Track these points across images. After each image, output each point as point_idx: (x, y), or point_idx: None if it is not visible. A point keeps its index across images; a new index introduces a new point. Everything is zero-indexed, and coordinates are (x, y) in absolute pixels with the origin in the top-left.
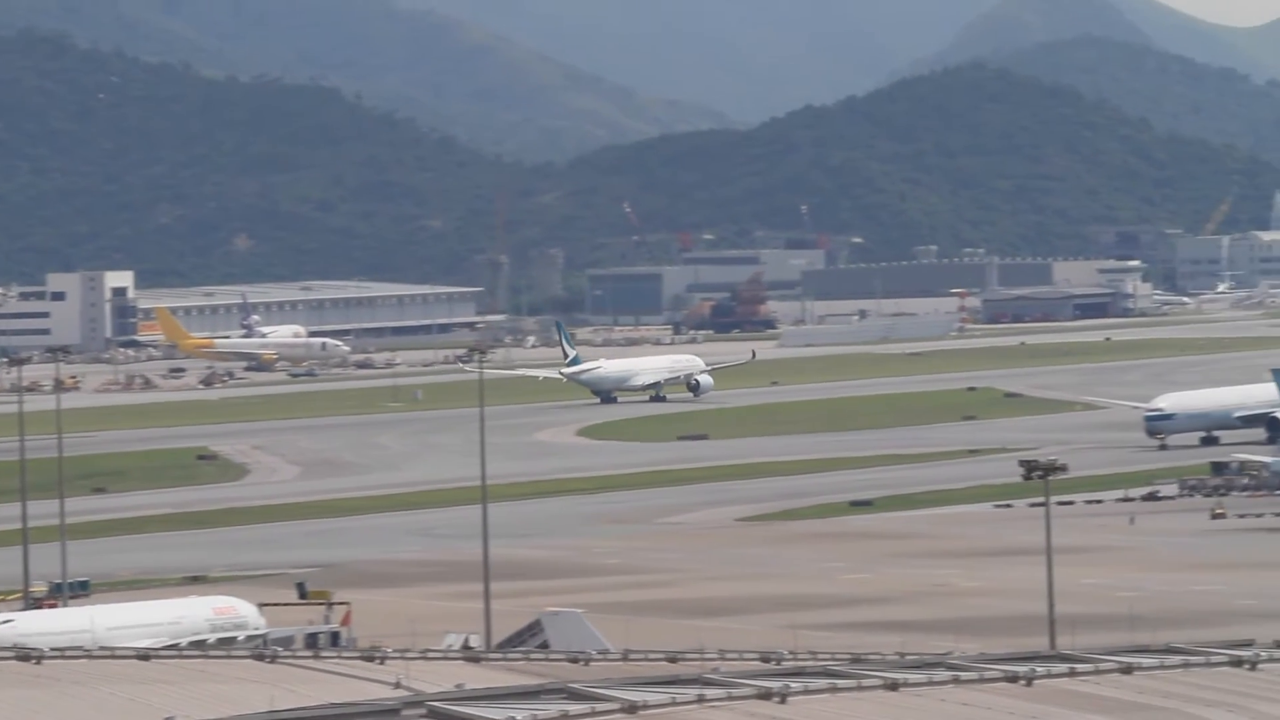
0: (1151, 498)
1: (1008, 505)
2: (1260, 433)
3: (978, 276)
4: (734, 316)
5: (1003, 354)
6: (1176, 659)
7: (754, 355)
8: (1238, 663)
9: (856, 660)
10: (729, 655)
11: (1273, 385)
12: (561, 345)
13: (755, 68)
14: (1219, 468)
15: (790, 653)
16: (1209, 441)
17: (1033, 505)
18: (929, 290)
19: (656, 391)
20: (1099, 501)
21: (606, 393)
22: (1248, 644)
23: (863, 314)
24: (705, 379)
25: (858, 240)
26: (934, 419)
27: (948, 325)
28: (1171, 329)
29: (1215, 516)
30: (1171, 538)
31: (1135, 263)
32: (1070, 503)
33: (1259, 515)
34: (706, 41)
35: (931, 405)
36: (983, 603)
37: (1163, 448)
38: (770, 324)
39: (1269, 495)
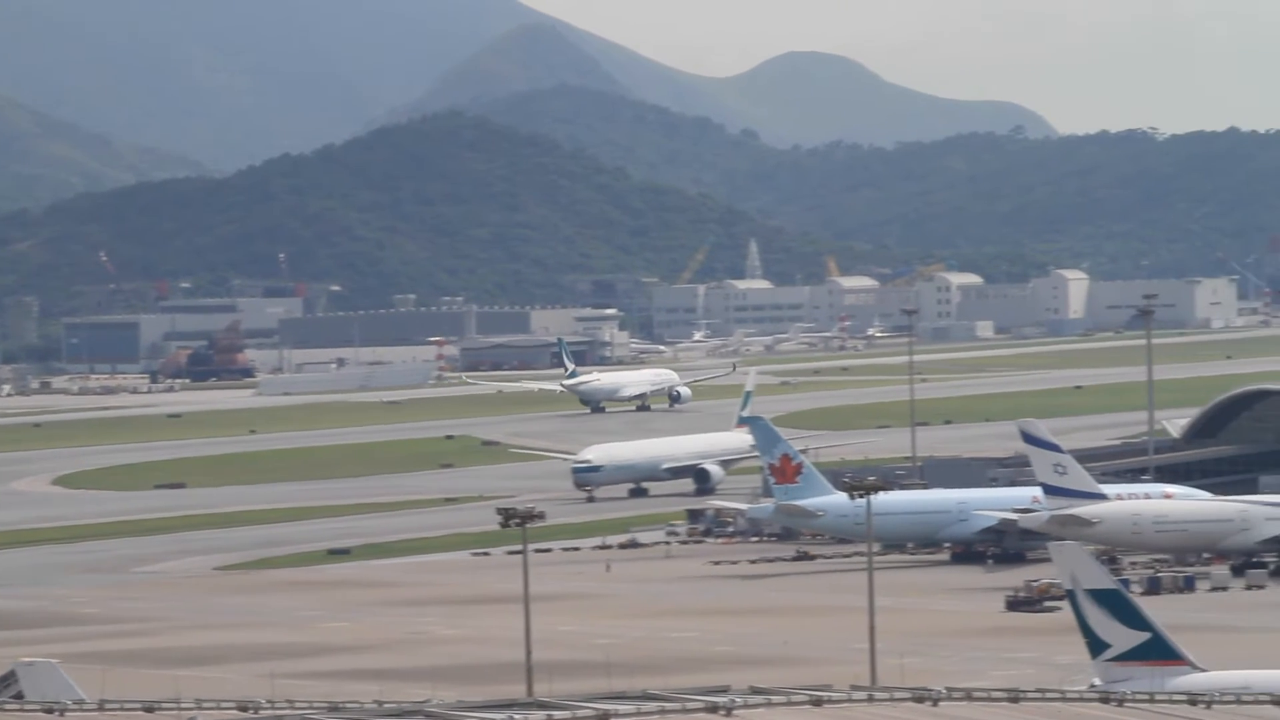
0: (630, 545)
1: (485, 553)
2: (688, 484)
3: (456, 325)
4: (211, 365)
5: (481, 402)
6: (652, 705)
7: (734, 368)
8: (713, 709)
9: (334, 709)
10: (206, 705)
11: (698, 436)
12: (563, 361)
13: (232, 116)
14: (695, 515)
15: (268, 701)
16: (638, 493)
17: (510, 553)
18: (407, 338)
19: (642, 402)
20: (576, 549)
21: (596, 403)
22: (723, 690)
23: (341, 362)
24: (685, 390)
25: (336, 288)
26: (412, 467)
27: (426, 373)
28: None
29: (673, 547)
30: (649, 584)
31: (612, 311)
32: (548, 550)
33: (734, 562)
34: (183, 90)
35: (409, 453)
36: (461, 650)
37: (590, 500)
38: (248, 372)
39: (744, 542)
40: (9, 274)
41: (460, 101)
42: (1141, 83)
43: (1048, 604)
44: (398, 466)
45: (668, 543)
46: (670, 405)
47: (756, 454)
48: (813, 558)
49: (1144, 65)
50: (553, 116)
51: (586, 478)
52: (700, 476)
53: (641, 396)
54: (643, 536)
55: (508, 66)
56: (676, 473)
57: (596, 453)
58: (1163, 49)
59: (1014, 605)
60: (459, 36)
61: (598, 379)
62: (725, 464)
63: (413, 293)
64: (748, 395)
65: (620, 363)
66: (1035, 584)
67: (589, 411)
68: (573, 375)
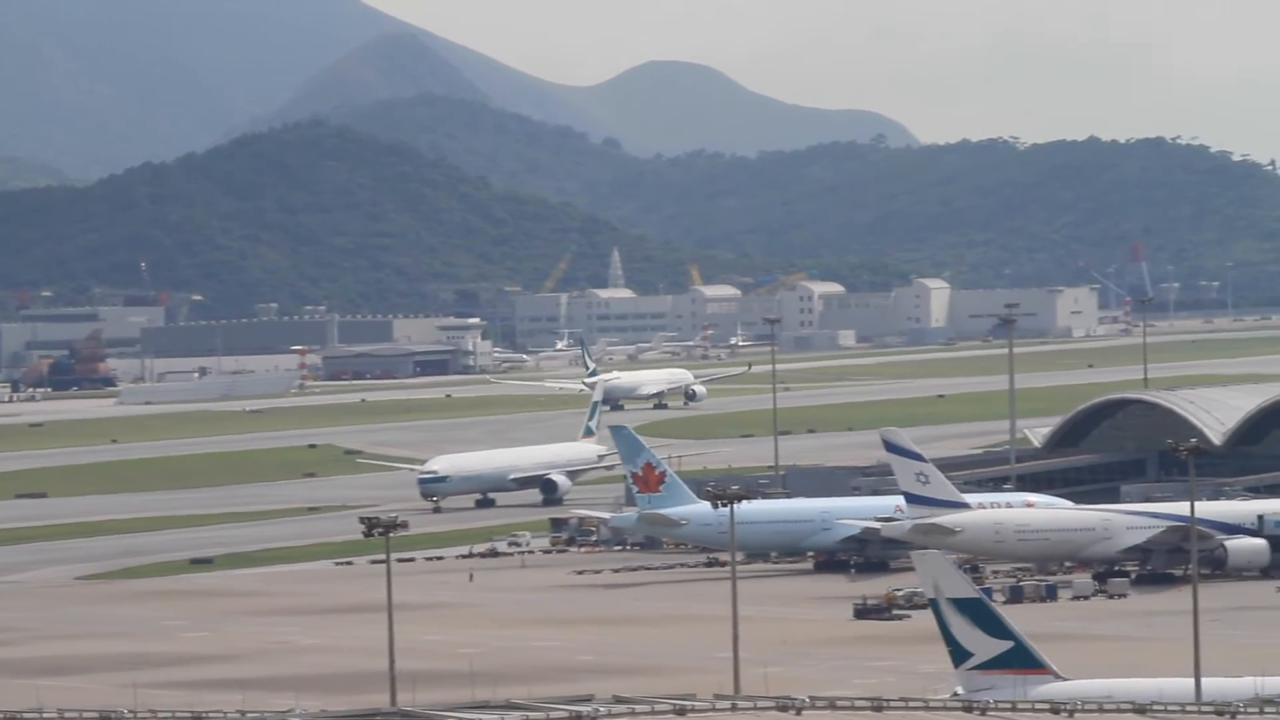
0: (491, 554)
1: (348, 563)
2: (535, 495)
3: (319, 333)
4: (73, 374)
5: (344, 411)
6: (516, 715)
7: (750, 367)
8: (576, 718)
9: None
10: (68, 714)
11: (545, 447)
12: (584, 360)
13: (93, 124)
14: (559, 524)
15: (130, 711)
16: (485, 504)
17: (373, 562)
18: (270, 347)
19: (660, 400)
20: (440, 558)
21: (615, 401)
22: (586, 699)
23: (203, 371)
24: (700, 389)
25: (198, 297)
26: (275, 476)
27: (288, 382)
28: (511, 386)
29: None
30: (512, 594)
31: (475, 320)
32: (411, 559)
33: (598, 571)
34: (44, 97)
35: (272, 463)
36: (324, 660)
37: (437, 510)
38: (110, 381)
39: (607, 551)
40: None
41: (322, 110)
42: (1002, 92)
43: (896, 612)
44: (260, 476)
45: (528, 551)
46: (685, 403)
47: (605, 465)
48: (724, 564)
49: (1005, 75)
50: (415, 125)
51: (433, 488)
52: (547, 487)
53: (659, 394)
54: (504, 546)
55: (370, 75)
56: (524, 483)
57: (443, 463)
58: (1023, 59)
59: (862, 614)
60: (321, 45)
61: (617, 378)
62: (572, 474)
63: (275, 301)
64: (595, 405)
65: (483, 371)
66: (897, 592)
67: (609, 409)
68: (593, 374)
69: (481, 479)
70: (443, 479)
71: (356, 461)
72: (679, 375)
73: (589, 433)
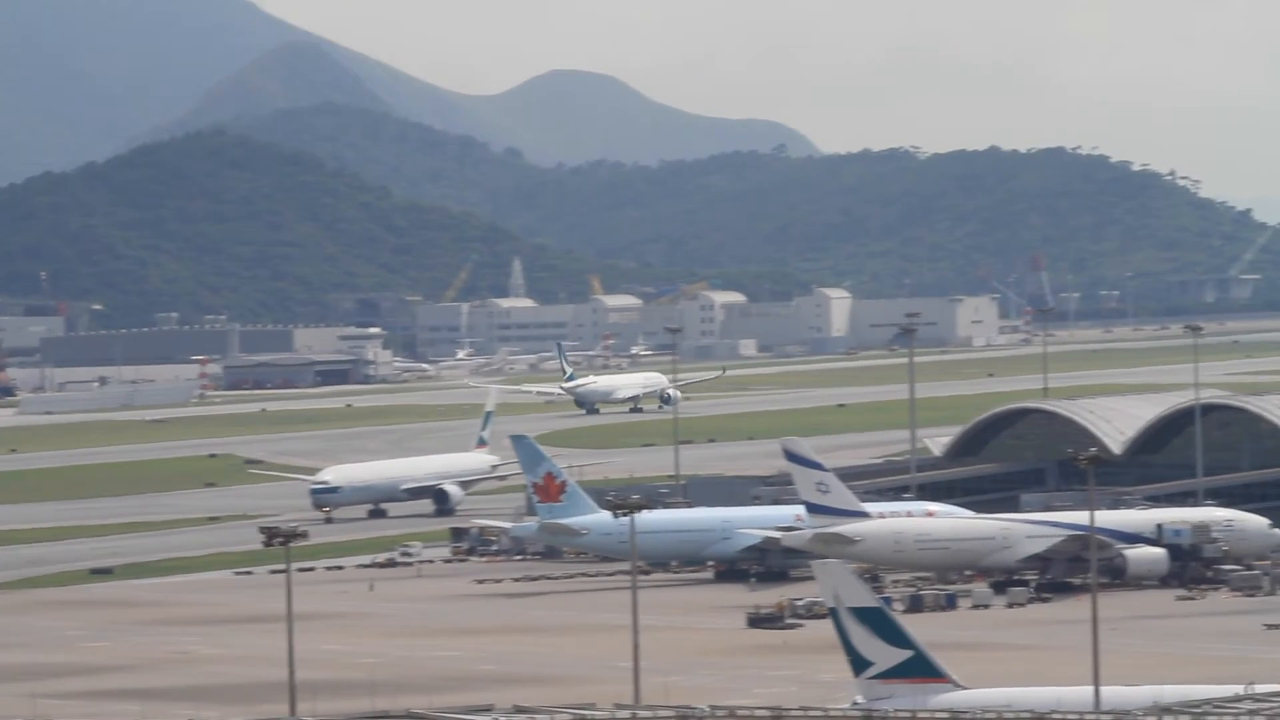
0: (392, 564)
1: (248, 572)
2: (428, 505)
3: (219, 343)
4: None
5: (244, 421)
6: (523, 717)
7: (724, 371)
8: None
9: None
10: None
11: (437, 457)
12: (561, 365)
13: None
14: (459, 534)
15: None
16: (377, 514)
17: (273, 572)
18: (170, 357)
19: (635, 404)
20: (340, 568)
21: (591, 405)
22: (487, 709)
23: (103, 381)
24: (675, 393)
25: (98, 307)
26: (175, 486)
27: (189, 392)
28: (412, 395)
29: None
30: (413, 603)
31: (376, 330)
32: (312, 569)
33: (498, 581)
34: None
35: (173, 472)
36: (224, 670)
37: (329, 521)
38: (9, 391)
39: (508, 560)
40: None
41: (223, 119)
42: (904, 103)
43: (789, 621)
44: (161, 486)
45: (426, 561)
46: (660, 406)
47: (497, 475)
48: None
49: (906, 86)
50: (316, 134)
51: (324, 498)
52: (439, 497)
53: (634, 399)
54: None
55: (271, 84)
56: (416, 493)
57: (334, 474)
58: (925, 70)
59: (755, 622)
60: (223, 54)
61: (594, 382)
62: (465, 485)
63: (175, 311)
64: (488, 415)
65: (384, 381)
66: (801, 601)
67: (585, 412)
68: (570, 379)
69: (373, 489)
70: (334, 489)
71: (250, 471)
72: (654, 379)
73: (482, 443)
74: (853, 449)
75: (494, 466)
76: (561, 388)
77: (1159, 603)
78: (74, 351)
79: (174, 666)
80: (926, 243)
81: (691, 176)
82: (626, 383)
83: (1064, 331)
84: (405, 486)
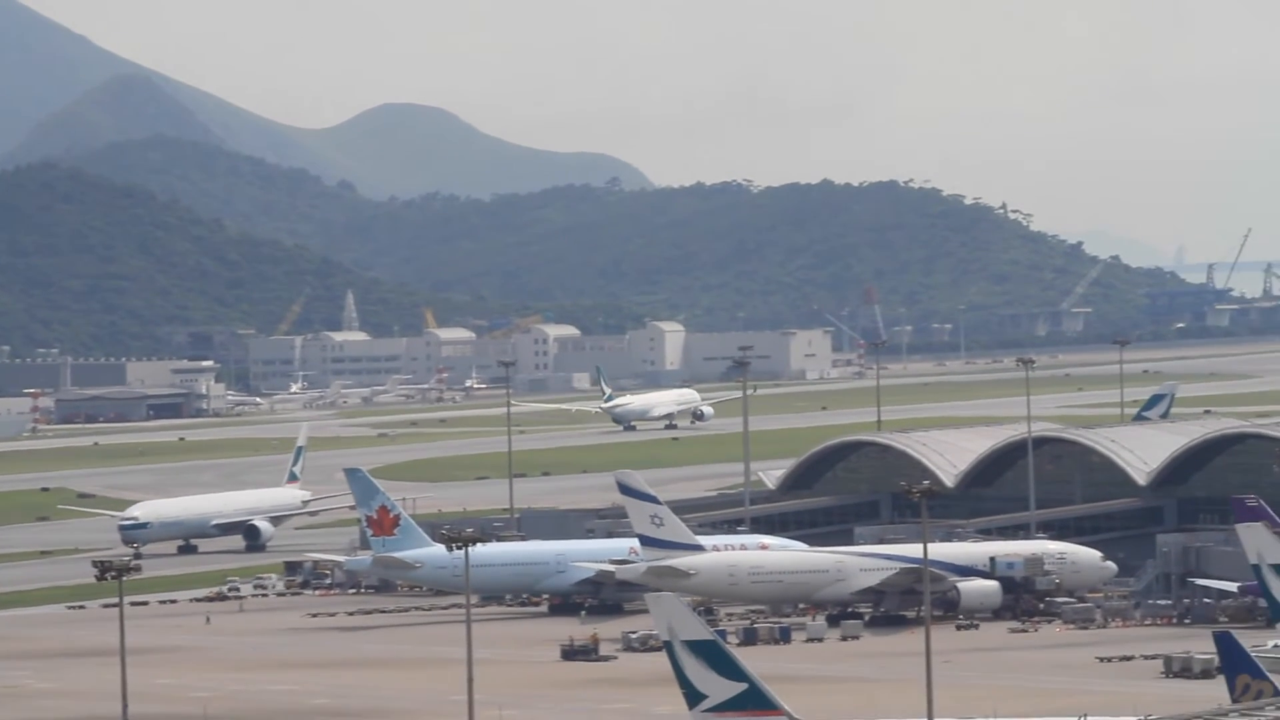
0: (221, 598)
1: (81, 606)
2: (238, 541)
3: (52, 376)
4: None
5: (77, 454)
6: None
7: (755, 390)
8: None
9: None
10: None
11: (248, 492)
12: (600, 385)
13: None
14: (293, 567)
15: None
16: (187, 550)
17: (106, 606)
18: (2, 390)
19: (669, 421)
20: (174, 601)
21: (628, 422)
22: None
23: None
24: (708, 409)
25: None
26: (5, 520)
27: (20, 425)
28: (245, 429)
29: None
30: (247, 637)
31: (209, 363)
32: (145, 603)
33: (332, 614)
34: None
35: (4, 506)
36: (56, 704)
37: (138, 556)
38: None
39: (342, 594)
40: None
41: (54, 152)
42: (736, 136)
43: (603, 654)
44: None
45: (263, 594)
46: (692, 422)
47: (309, 510)
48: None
49: (738, 119)
50: (147, 167)
51: (133, 535)
52: (250, 533)
53: (669, 416)
54: (240, 589)
55: (102, 116)
56: (226, 529)
57: (144, 509)
58: (756, 104)
59: (569, 655)
60: (53, 87)
61: (630, 401)
62: (276, 520)
63: (6, 344)
64: (299, 450)
65: (217, 414)
66: (632, 633)
67: (622, 429)
68: (609, 399)
69: (183, 525)
70: (143, 525)
71: (58, 508)
72: (687, 395)
73: (293, 478)
74: (687, 482)
75: (305, 502)
76: (600, 407)
77: (992, 635)
78: None
79: (6, 701)
80: (760, 276)
81: (525, 209)
82: (661, 400)
83: (897, 364)
84: (216, 522)
